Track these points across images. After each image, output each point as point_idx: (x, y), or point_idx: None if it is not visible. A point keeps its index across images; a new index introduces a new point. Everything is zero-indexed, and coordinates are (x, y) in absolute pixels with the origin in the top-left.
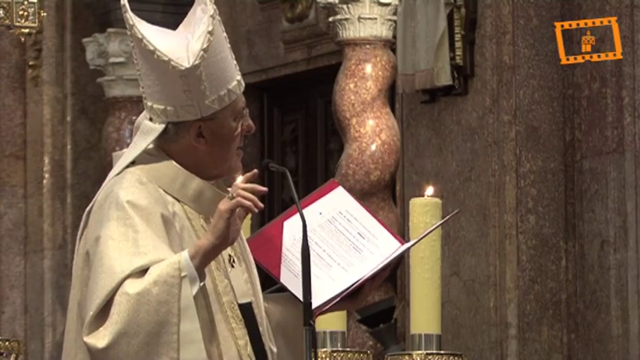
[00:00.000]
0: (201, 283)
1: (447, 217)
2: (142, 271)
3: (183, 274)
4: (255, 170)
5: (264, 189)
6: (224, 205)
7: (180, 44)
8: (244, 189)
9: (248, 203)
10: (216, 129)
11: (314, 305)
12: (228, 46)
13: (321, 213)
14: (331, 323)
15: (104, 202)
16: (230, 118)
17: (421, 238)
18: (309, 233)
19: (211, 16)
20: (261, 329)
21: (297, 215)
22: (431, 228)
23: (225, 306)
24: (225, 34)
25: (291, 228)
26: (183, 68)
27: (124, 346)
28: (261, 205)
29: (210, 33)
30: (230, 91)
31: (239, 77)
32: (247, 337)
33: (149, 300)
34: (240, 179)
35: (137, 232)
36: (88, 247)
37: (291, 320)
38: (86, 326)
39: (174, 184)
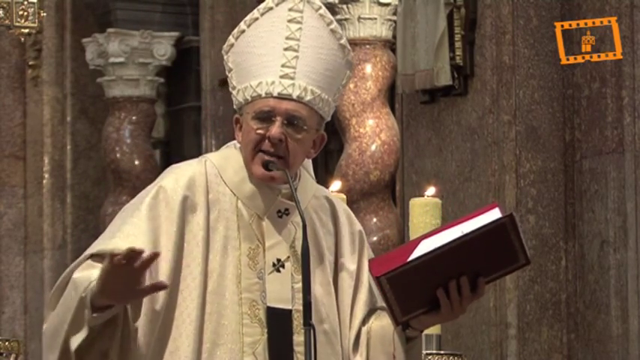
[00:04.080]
0: (94, 322)
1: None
2: (99, 256)
3: (83, 294)
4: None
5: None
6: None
7: None
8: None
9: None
10: (243, 124)
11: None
12: (282, 48)
13: (462, 231)
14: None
15: None
16: (250, 116)
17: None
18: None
19: (260, 10)
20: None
21: (440, 234)
22: None
23: (243, 301)
24: (284, 38)
25: (425, 245)
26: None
27: (44, 337)
28: (120, 262)
29: (246, 23)
30: (252, 88)
31: (274, 80)
32: (264, 337)
33: (66, 297)
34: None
35: (132, 215)
36: None
37: (388, 334)
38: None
39: (235, 177)
